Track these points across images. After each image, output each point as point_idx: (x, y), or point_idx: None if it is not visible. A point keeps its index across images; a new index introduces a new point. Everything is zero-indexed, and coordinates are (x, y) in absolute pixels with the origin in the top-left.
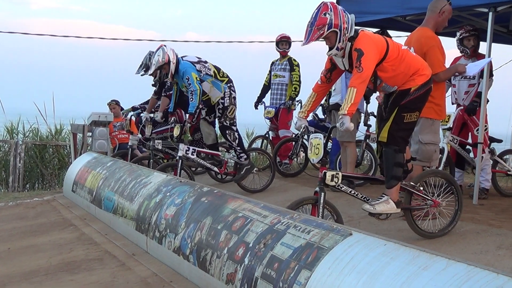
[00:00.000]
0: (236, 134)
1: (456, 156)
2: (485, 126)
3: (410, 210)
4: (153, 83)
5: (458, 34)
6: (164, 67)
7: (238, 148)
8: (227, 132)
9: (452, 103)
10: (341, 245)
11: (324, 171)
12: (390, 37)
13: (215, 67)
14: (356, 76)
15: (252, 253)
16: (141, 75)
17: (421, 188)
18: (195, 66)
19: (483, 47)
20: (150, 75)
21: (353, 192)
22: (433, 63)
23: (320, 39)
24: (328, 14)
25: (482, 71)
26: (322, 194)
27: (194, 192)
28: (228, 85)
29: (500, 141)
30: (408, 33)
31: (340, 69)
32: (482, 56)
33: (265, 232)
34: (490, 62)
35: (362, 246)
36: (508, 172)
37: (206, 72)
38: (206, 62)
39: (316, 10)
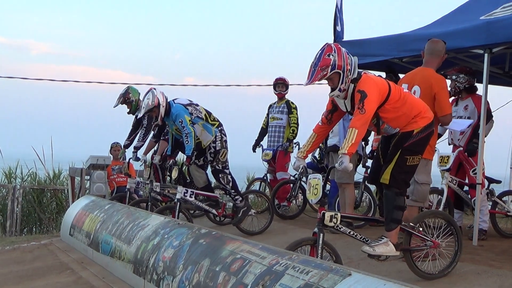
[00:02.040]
0: (229, 177)
1: (454, 197)
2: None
3: (410, 251)
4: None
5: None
6: (154, 110)
7: (233, 191)
8: (220, 175)
9: (449, 144)
10: (340, 285)
11: (323, 211)
12: (398, 78)
13: (206, 111)
14: (358, 117)
15: None
16: (136, 116)
17: (421, 229)
18: (187, 108)
19: (479, 89)
20: (137, 118)
21: (352, 233)
22: (444, 105)
23: (323, 80)
24: (332, 55)
25: (479, 114)
26: (321, 234)
27: (192, 234)
28: (219, 128)
29: (498, 182)
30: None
31: (341, 110)
32: (479, 97)
33: (263, 273)
34: (488, 104)
35: (362, 287)
36: (508, 213)
37: (197, 115)
38: (197, 105)
39: (320, 51)
